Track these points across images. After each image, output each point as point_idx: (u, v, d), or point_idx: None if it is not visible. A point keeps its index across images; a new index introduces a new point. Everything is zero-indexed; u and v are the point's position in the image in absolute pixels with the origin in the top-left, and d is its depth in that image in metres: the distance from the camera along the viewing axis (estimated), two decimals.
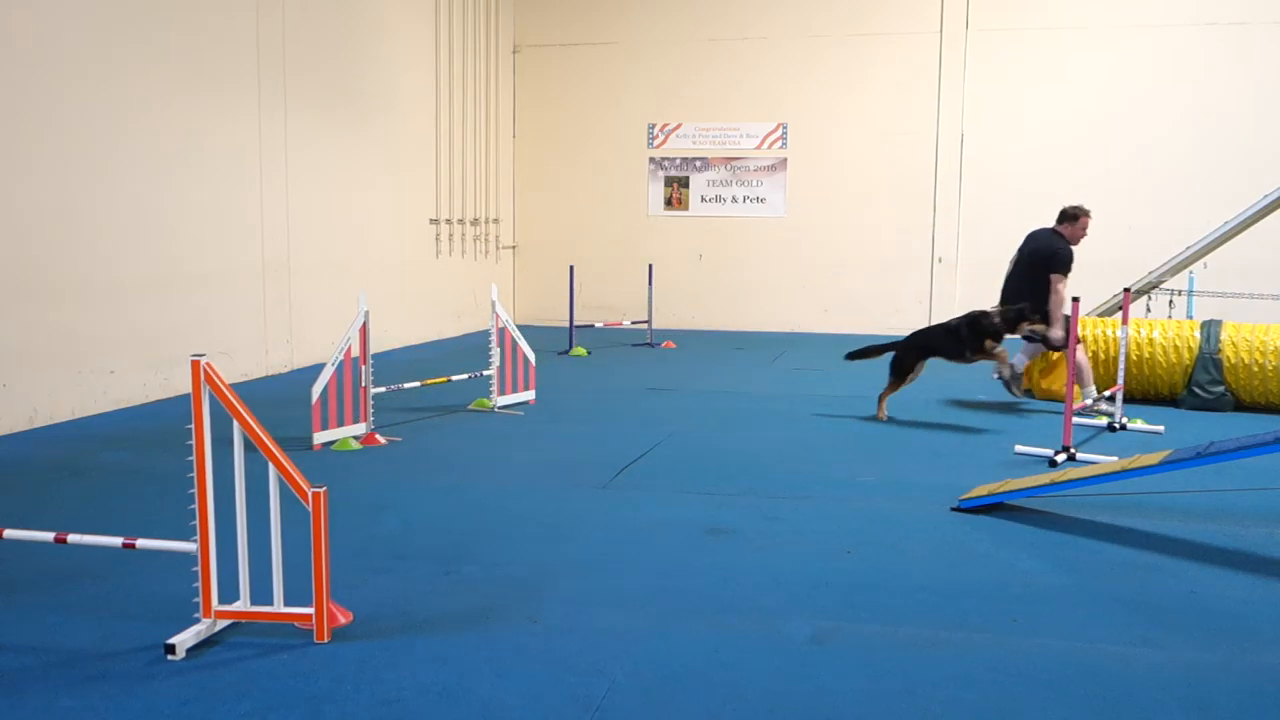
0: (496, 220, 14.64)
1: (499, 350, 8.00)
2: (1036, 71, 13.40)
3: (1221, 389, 8.30)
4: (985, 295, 13.70)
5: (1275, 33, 12.63)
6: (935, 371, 10.52)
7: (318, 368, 7.54)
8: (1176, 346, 8.47)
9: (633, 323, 13.21)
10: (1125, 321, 7.73)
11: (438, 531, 4.93)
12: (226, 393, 3.47)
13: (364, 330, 6.86)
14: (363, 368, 6.89)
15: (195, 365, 3.47)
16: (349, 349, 6.76)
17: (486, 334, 8.33)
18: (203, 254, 8.88)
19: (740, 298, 13.87)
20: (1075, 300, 6.67)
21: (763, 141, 14.40)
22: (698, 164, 14.63)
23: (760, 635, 3.72)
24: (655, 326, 13.01)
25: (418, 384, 8.02)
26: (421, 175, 12.71)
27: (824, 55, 14.04)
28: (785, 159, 14.37)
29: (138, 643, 3.58)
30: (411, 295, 12.31)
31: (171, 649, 3.45)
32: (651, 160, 14.80)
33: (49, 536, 3.74)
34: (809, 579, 4.31)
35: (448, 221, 13.26)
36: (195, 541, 3.56)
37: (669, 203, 14.80)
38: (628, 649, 3.57)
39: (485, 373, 8.12)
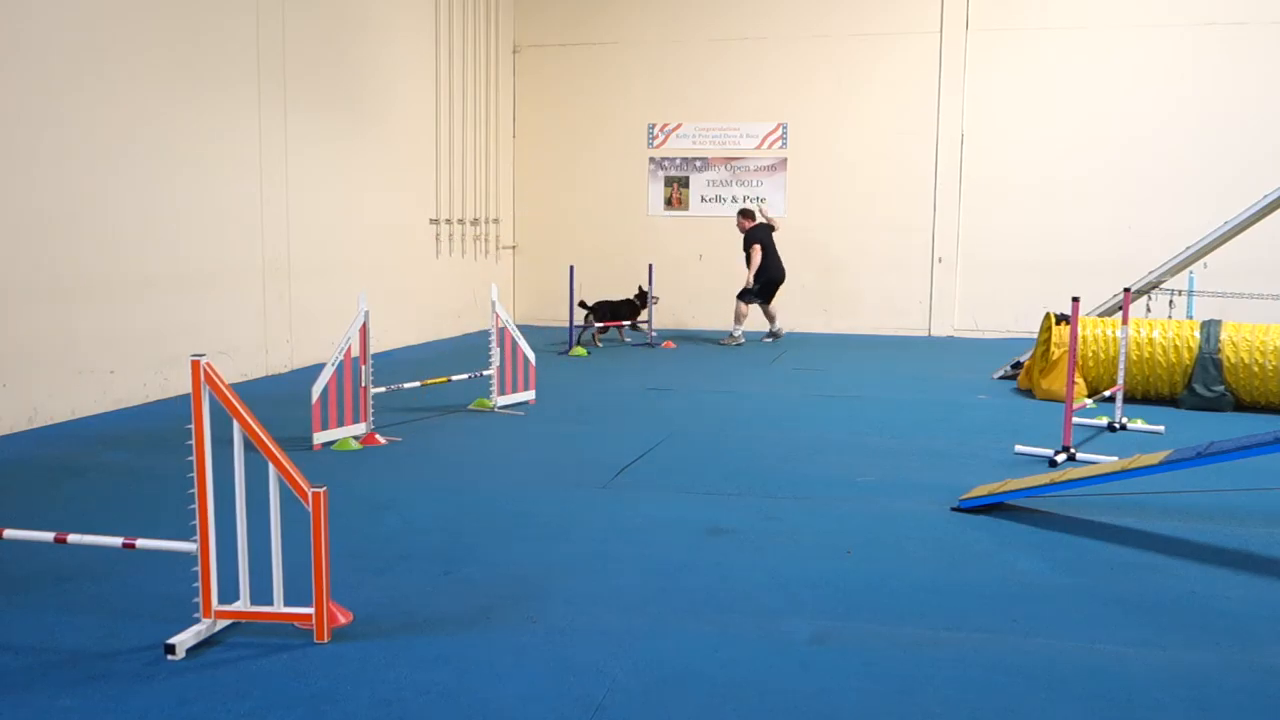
0: (496, 220, 14.64)
1: (499, 350, 8.00)
2: (1036, 71, 13.40)
3: (1221, 389, 8.30)
4: (985, 294, 13.77)
5: (1275, 33, 12.63)
6: (936, 371, 10.55)
7: (318, 368, 7.54)
8: (1176, 346, 8.47)
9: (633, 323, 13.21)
10: (1125, 321, 7.73)
11: (438, 531, 4.93)
12: (226, 393, 3.47)
13: (364, 330, 6.86)
14: (363, 368, 6.89)
15: (195, 365, 3.47)
16: (349, 349, 6.76)
17: (486, 334, 8.33)
18: (203, 254, 8.88)
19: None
20: (1075, 300, 6.67)
21: (763, 141, 14.40)
22: (698, 164, 14.63)
23: (760, 635, 3.72)
24: (655, 326, 13.01)
25: (418, 384, 8.02)
26: (421, 175, 12.71)
27: (824, 55, 14.04)
28: (785, 159, 14.37)
29: (138, 643, 3.58)
30: (411, 295, 12.31)
31: (171, 649, 3.45)
32: (651, 160, 14.80)
33: (49, 536, 3.74)
34: (809, 579, 4.31)
35: (448, 221, 13.26)
36: (195, 541, 3.56)
37: (669, 203, 14.80)
38: (628, 649, 3.58)
39: (485, 373, 8.12)
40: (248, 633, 3.67)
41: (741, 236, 12.93)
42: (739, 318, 12.88)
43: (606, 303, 12.68)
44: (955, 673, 3.42)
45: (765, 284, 12.84)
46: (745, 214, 12.90)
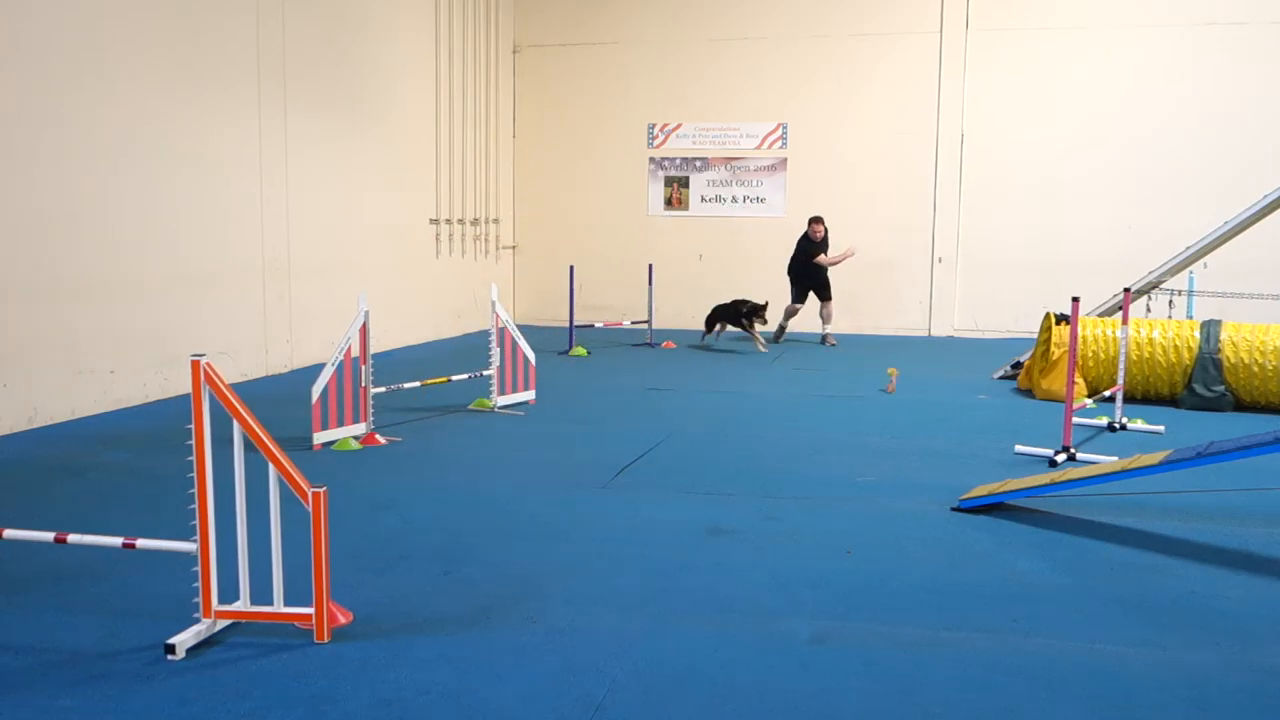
0: (496, 220, 14.64)
1: (499, 350, 8.00)
2: (1036, 71, 13.40)
3: (1221, 389, 8.30)
4: (985, 294, 13.77)
5: (1275, 33, 12.63)
6: (936, 371, 10.55)
7: (318, 368, 7.54)
8: (1176, 346, 8.47)
9: (633, 323, 13.21)
10: (1125, 321, 7.73)
11: (438, 531, 4.93)
12: (226, 393, 3.47)
13: (364, 330, 6.86)
14: (363, 368, 6.89)
15: (195, 365, 3.47)
16: (349, 349, 6.76)
17: (486, 334, 8.33)
18: (203, 254, 8.88)
19: (740, 298, 13.85)
20: (1075, 300, 6.67)
21: (763, 141, 14.40)
22: (698, 164, 14.63)
23: (760, 635, 3.72)
24: (655, 326, 13.01)
25: (418, 384, 8.02)
26: (421, 175, 12.71)
27: (824, 55, 14.04)
28: (785, 159, 14.37)
29: (138, 643, 3.58)
30: (411, 295, 12.31)
31: (171, 649, 3.45)
32: (651, 160, 14.80)
33: (49, 536, 3.75)
34: (809, 579, 4.31)
35: (448, 221, 13.26)
36: (195, 541, 3.56)
37: (669, 203, 14.80)
38: (628, 649, 3.58)
39: (485, 373, 8.12)
40: (248, 633, 3.67)
41: (809, 241, 12.69)
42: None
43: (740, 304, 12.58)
44: (955, 673, 3.42)
45: (803, 288, 12.86)
46: (820, 220, 12.68)
